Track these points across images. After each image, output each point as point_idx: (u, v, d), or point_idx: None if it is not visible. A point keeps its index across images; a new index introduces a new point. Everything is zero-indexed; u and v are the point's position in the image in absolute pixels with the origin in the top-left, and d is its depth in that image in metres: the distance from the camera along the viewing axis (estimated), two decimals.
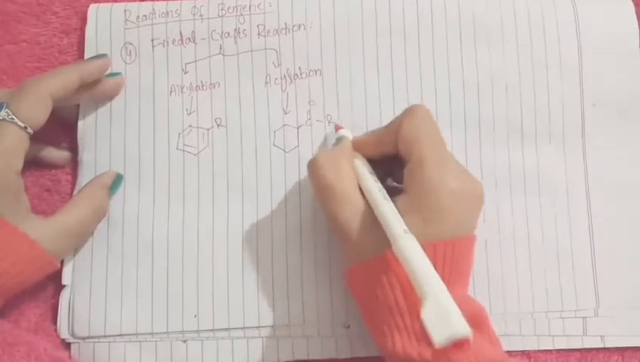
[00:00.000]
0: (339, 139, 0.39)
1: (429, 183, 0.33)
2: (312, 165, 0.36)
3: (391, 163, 0.37)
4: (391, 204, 0.34)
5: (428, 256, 0.31)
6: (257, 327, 0.40)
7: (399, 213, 0.33)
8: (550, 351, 0.41)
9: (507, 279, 0.41)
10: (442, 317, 0.29)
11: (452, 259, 0.33)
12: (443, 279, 0.31)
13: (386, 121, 0.42)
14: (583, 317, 0.41)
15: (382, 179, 0.37)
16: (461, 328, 0.29)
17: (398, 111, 0.42)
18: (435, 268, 0.31)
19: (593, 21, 0.44)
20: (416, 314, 0.30)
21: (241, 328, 0.40)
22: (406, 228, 0.32)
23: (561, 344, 0.41)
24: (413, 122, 0.35)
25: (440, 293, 0.30)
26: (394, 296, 0.32)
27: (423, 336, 0.30)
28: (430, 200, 0.33)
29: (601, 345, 0.41)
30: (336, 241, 0.39)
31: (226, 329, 0.40)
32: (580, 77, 0.43)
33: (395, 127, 0.36)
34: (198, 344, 0.40)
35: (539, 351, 0.41)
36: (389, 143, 0.36)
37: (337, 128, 0.40)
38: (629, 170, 0.43)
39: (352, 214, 0.35)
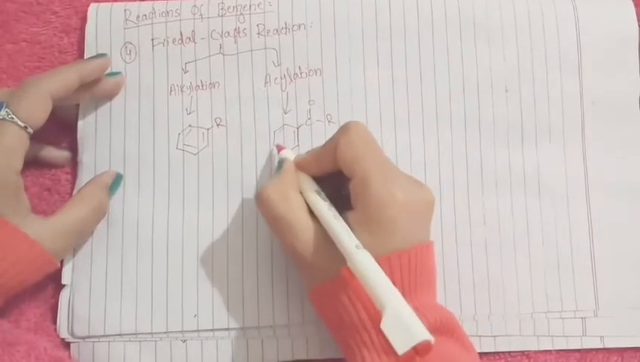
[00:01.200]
0: (280, 162, 0.39)
1: (375, 199, 0.34)
2: (260, 198, 0.36)
3: (338, 177, 0.36)
4: (341, 221, 0.34)
5: (383, 269, 0.32)
6: (257, 327, 0.40)
7: (351, 228, 0.34)
8: (550, 351, 0.41)
9: (507, 280, 0.41)
10: (401, 326, 0.29)
11: (409, 269, 0.33)
12: (403, 290, 0.31)
13: (385, 121, 0.42)
14: (582, 318, 0.41)
15: (332, 193, 0.37)
16: (420, 333, 0.29)
17: (398, 111, 0.42)
18: (393, 280, 0.31)
19: (593, 21, 0.44)
20: (379, 328, 0.30)
21: (241, 328, 0.40)
22: (358, 243, 0.33)
23: (561, 344, 0.41)
24: (350, 141, 0.35)
25: (397, 303, 0.30)
26: (356, 312, 0.32)
27: (390, 350, 0.30)
28: (378, 214, 0.33)
29: (601, 346, 0.41)
30: (296, 266, 0.39)
31: (226, 329, 0.40)
32: (580, 77, 0.43)
33: (332, 146, 0.36)
34: (198, 343, 0.40)
35: (538, 351, 0.41)
36: (328, 162, 0.36)
37: (279, 149, 0.40)
38: (629, 170, 0.43)
39: (307, 240, 0.35)
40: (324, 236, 0.35)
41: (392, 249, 0.33)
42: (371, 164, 0.34)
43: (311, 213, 0.36)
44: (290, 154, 0.39)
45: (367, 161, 0.34)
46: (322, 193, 0.37)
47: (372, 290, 0.31)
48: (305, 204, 0.36)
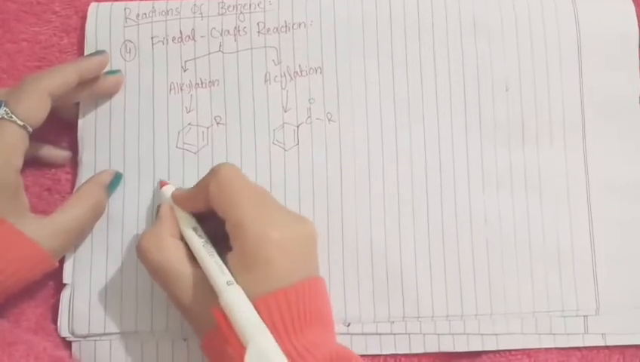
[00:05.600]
0: (158, 207, 0.38)
1: (251, 240, 0.33)
2: (138, 251, 0.36)
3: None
4: (216, 258, 0.34)
5: (261, 312, 0.31)
6: None
7: (231, 269, 0.33)
8: (551, 350, 0.40)
9: (508, 278, 0.41)
10: (263, 358, 0.29)
11: (291, 307, 0.32)
12: (286, 329, 0.31)
13: (386, 120, 0.42)
14: (584, 316, 0.41)
15: (217, 228, 0.35)
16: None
17: (399, 110, 0.42)
18: (273, 320, 0.31)
19: (593, 20, 0.44)
20: None
21: None
22: (231, 279, 0.32)
23: (563, 342, 0.40)
24: (220, 185, 0.34)
25: (260, 336, 0.30)
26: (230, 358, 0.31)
27: None
28: (254, 255, 0.33)
29: (603, 343, 0.40)
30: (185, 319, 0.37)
31: None
32: (580, 76, 0.43)
33: (204, 188, 0.35)
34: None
35: (540, 349, 0.40)
36: (201, 201, 0.35)
37: (162, 185, 0.39)
38: (630, 169, 0.43)
39: (187, 288, 0.34)
40: (206, 281, 0.33)
41: (270, 289, 0.32)
42: (244, 207, 0.33)
43: (194, 257, 0.35)
44: (169, 191, 0.38)
45: (239, 205, 0.33)
46: (200, 230, 0.36)
47: (237, 326, 0.30)
48: (184, 250, 0.35)
